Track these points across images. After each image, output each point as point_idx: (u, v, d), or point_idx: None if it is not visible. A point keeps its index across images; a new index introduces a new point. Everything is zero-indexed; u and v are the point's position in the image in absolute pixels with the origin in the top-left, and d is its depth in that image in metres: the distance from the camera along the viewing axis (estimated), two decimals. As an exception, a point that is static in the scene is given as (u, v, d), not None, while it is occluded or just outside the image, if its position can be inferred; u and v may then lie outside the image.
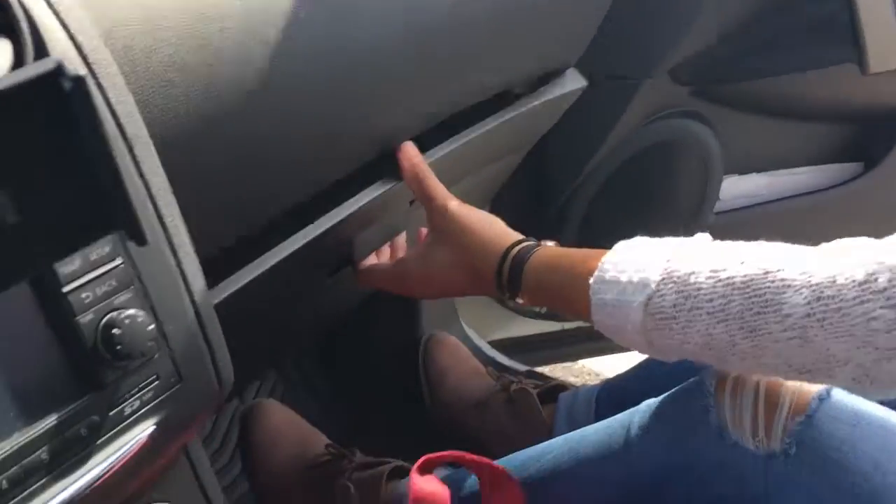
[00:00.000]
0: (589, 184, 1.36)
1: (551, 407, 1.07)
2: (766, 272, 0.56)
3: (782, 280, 0.55)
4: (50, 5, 0.44)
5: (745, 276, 0.57)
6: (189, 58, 0.53)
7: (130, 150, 0.45)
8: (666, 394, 0.71)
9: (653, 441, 0.69)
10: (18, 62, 0.41)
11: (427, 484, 0.63)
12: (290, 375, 1.32)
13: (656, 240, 0.65)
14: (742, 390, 0.64)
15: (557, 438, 0.78)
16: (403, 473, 0.92)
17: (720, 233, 1.37)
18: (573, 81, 1.11)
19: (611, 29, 1.13)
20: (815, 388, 0.63)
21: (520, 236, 0.78)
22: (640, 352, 0.65)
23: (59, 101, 0.30)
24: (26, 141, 0.30)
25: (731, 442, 0.64)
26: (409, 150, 0.81)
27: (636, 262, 0.63)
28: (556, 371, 1.59)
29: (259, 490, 1.03)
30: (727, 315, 0.57)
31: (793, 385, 0.64)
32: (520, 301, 0.75)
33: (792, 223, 1.44)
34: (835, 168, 1.48)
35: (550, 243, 0.77)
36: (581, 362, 1.53)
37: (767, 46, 1.30)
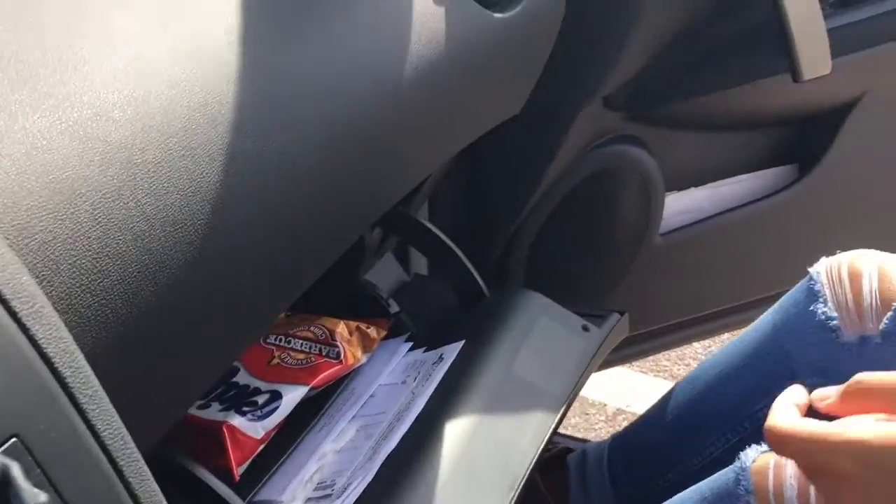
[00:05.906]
0: (531, 222, 1.34)
1: (561, 473, 1.02)
2: None
3: None
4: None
5: None
6: (117, 239, 0.44)
7: (76, 403, 0.36)
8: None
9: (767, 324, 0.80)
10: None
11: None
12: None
13: None
14: (842, 282, 0.74)
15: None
16: None
17: (668, 253, 1.38)
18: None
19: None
20: None
21: None
22: None
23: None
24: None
25: (833, 327, 0.74)
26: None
27: None
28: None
29: None
30: None
31: (875, 284, 0.72)
32: None
33: (736, 235, 1.43)
34: (770, 173, 1.47)
35: None
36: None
37: (698, 65, 1.29)
